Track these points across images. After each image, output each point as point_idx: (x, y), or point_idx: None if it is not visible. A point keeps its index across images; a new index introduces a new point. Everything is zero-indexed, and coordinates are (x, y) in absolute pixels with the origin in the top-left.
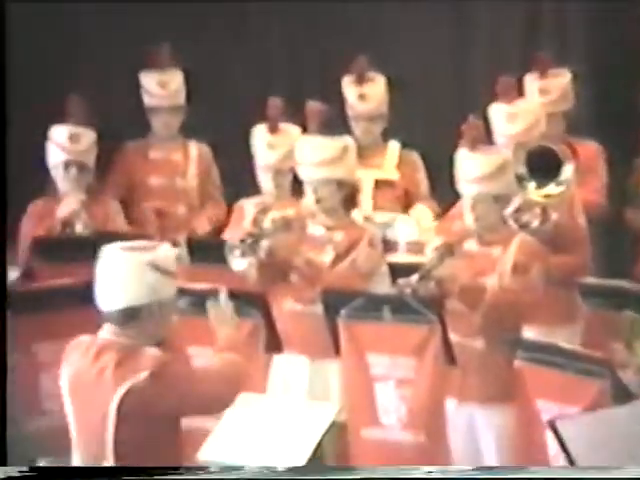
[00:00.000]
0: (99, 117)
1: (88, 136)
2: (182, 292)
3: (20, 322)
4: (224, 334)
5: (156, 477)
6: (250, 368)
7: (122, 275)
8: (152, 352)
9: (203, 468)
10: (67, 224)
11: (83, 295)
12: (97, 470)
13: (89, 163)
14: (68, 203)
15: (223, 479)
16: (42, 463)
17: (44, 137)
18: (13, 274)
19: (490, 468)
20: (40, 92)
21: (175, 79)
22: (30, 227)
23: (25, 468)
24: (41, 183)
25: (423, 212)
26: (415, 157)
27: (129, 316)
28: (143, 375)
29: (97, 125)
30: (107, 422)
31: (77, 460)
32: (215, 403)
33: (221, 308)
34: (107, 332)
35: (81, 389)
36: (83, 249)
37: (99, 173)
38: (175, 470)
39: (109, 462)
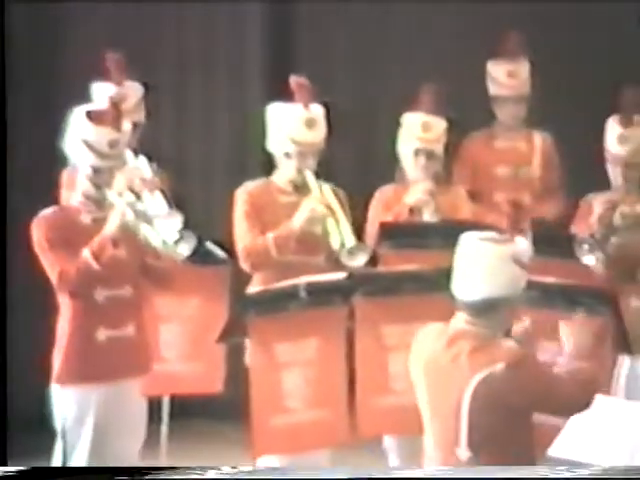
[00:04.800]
0: (449, 106)
1: (439, 125)
2: (528, 285)
3: (366, 304)
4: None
5: (147, 477)
6: (601, 371)
7: (485, 266)
8: (508, 344)
9: (193, 468)
10: (415, 211)
11: (429, 282)
12: (92, 470)
13: (438, 152)
14: (416, 190)
15: (219, 479)
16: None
17: None
18: (362, 259)
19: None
20: None
21: (523, 69)
22: (378, 212)
23: (23, 467)
24: None
25: None
26: None
27: (486, 306)
28: (499, 366)
29: (446, 114)
30: (461, 407)
31: (429, 442)
32: (570, 406)
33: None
34: (461, 320)
35: (434, 372)
36: (430, 236)
37: (447, 162)
38: (171, 470)
39: (462, 448)
